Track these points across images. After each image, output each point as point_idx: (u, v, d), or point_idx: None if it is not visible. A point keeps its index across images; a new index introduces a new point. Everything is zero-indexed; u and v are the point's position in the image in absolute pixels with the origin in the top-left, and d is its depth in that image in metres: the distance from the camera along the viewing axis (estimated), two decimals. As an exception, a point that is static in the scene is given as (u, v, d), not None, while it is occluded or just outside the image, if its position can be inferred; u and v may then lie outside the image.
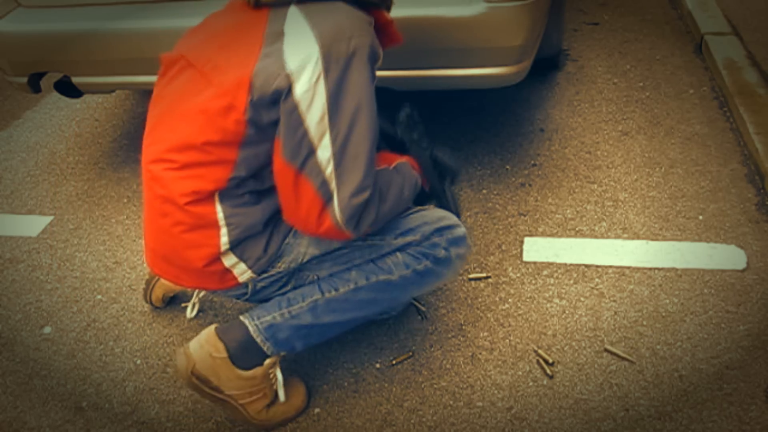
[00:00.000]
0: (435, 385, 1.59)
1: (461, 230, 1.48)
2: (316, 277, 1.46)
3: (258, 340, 1.40)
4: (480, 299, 1.80)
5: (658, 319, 1.69)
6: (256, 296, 1.45)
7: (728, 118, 2.48)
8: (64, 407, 1.62)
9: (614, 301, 1.76)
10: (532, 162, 2.32)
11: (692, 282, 1.79)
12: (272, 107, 1.23)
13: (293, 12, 1.26)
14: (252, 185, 1.34)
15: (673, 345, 1.62)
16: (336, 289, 1.42)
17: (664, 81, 2.76)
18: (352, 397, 1.58)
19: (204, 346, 1.40)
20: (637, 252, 1.91)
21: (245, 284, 1.42)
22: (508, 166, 2.32)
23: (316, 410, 1.56)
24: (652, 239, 1.95)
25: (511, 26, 1.84)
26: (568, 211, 2.09)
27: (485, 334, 1.70)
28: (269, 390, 1.48)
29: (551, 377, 1.57)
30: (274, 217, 1.38)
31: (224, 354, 1.39)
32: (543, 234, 2.01)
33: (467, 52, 1.85)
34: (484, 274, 1.87)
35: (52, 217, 2.31)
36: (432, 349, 1.67)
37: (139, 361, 1.72)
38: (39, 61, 2.16)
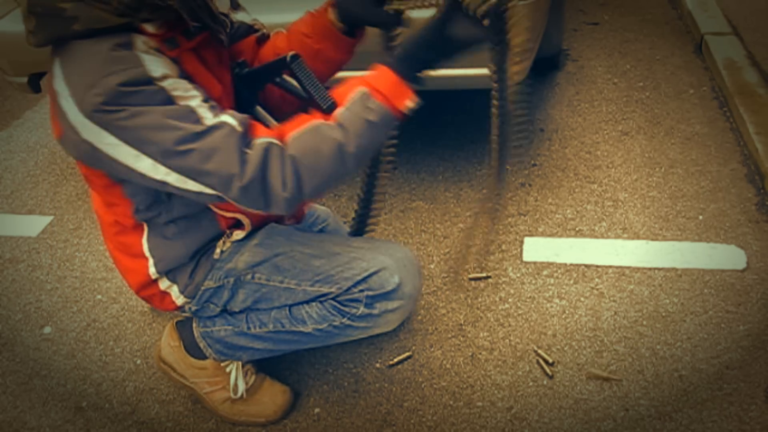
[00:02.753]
0: (435, 385, 1.58)
1: (392, 280, 1.28)
2: (251, 277, 1.36)
3: (201, 345, 1.46)
4: (480, 299, 1.80)
5: (658, 319, 1.69)
6: (202, 312, 1.42)
7: (728, 118, 2.48)
8: (64, 407, 1.62)
9: (614, 301, 1.76)
10: (532, 162, 2.32)
11: (692, 282, 1.79)
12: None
13: (56, 65, 1.11)
14: (170, 214, 1.28)
15: (673, 345, 1.62)
16: (261, 326, 1.39)
17: (664, 81, 2.76)
18: (352, 397, 1.58)
19: (166, 336, 1.54)
20: (637, 252, 1.91)
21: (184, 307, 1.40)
22: (508, 166, 2.31)
23: (316, 410, 1.56)
24: (652, 239, 1.95)
25: (510, 26, 1.83)
26: (568, 211, 2.09)
27: (485, 334, 1.70)
28: (228, 383, 1.51)
29: (551, 377, 1.57)
30: (203, 249, 1.34)
31: (179, 344, 1.51)
32: (543, 234, 2.01)
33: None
34: (484, 274, 1.87)
35: (52, 217, 2.31)
36: (432, 349, 1.67)
37: (139, 361, 1.72)
38: (39, 61, 2.16)
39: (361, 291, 1.29)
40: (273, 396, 1.53)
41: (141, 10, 1.06)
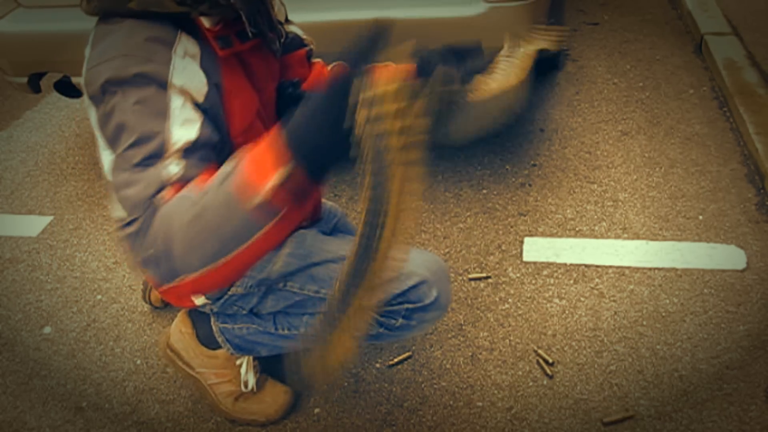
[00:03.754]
0: (435, 385, 1.58)
1: (431, 294, 1.26)
2: (283, 285, 1.31)
3: (219, 339, 1.43)
4: (480, 299, 1.80)
5: (658, 319, 1.69)
6: (224, 311, 1.39)
7: (728, 118, 2.48)
8: (64, 407, 1.62)
9: (614, 301, 1.76)
10: (532, 162, 2.32)
11: (692, 282, 1.79)
12: None
13: (94, 32, 1.09)
14: None
15: (673, 345, 1.62)
16: (290, 328, 1.37)
17: (664, 81, 2.76)
18: (352, 397, 1.58)
19: (177, 322, 1.51)
20: (637, 252, 1.91)
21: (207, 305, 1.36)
22: (508, 166, 2.32)
23: (316, 410, 1.56)
24: (652, 239, 1.95)
25: (511, 26, 1.84)
26: (568, 211, 2.09)
27: (485, 334, 1.70)
28: (236, 377, 1.50)
29: (551, 377, 1.57)
30: None
31: (191, 330, 1.49)
32: (543, 234, 2.01)
33: (467, 52, 1.85)
34: (484, 274, 1.87)
35: (52, 217, 2.31)
36: (432, 349, 1.67)
37: (139, 361, 1.72)
38: (39, 61, 2.16)
39: (401, 304, 1.27)
40: (275, 395, 1.53)
41: (202, 2, 1.03)
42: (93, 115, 1.03)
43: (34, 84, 2.24)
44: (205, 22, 1.08)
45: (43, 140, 2.80)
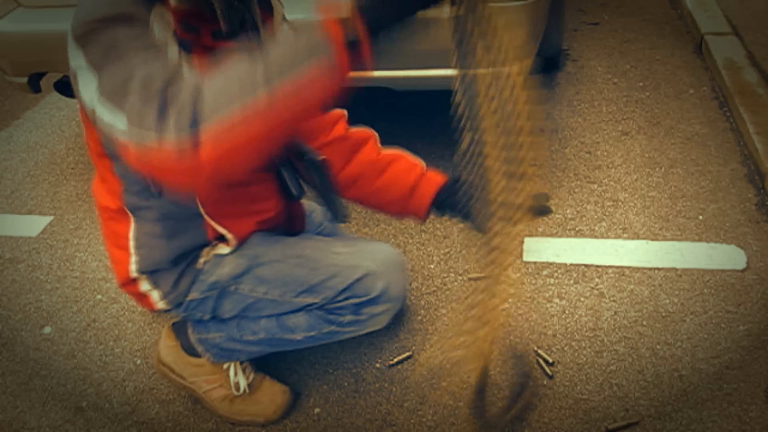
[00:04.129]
0: (435, 385, 1.58)
1: (377, 286, 1.26)
2: (235, 288, 1.33)
3: (199, 350, 1.46)
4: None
5: (658, 319, 1.69)
6: (191, 318, 1.42)
7: (728, 118, 2.48)
8: (64, 407, 1.62)
9: (614, 301, 1.76)
10: (532, 162, 2.32)
11: (692, 282, 1.79)
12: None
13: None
14: (158, 210, 1.25)
15: (673, 345, 1.62)
16: (252, 333, 1.38)
17: (664, 81, 2.76)
18: (352, 397, 1.58)
19: (163, 337, 1.54)
20: (637, 252, 1.91)
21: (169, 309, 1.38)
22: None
23: (316, 410, 1.56)
24: (652, 239, 1.95)
25: (511, 26, 1.84)
26: (568, 211, 2.09)
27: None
28: (227, 381, 1.50)
29: (551, 377, 1.57)
30: (187, 256, 1.31)
31: (176, 343, 1.51)
32: (543, 234, 2.01)
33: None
34: (484, 275, 1.87)
35: (52, 217, 2.31)
36: (432, 349, 1.67)
37: (139, 361, 1.72)
38: (39, 61, 2.16)
39: (347, 299, 1.27)
40: (272, 396, 1.53)
41: None
42: (78, 57, 0.97)
43: (34, 84, 2.24)
44: (172, 1, 1.04)
45: (43, 140, 2.80)
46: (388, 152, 1.46)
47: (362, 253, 1.32)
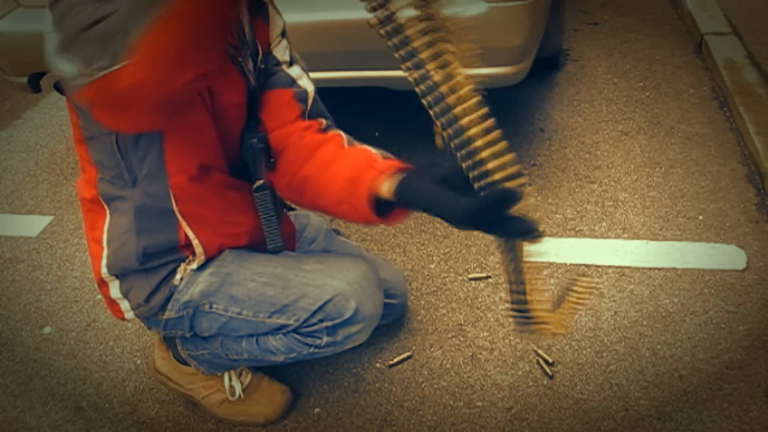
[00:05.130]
0: (435, 385, 1.59)
1: (349, 306, 1.23)
2: (209, 307, 1.30)
3: (192, 364, 1.46)
4: (480, 299, 1.80)
5: (658, 319, 1.69)
6: (172, 334, 1.39)
7: (728, 118, 2.48)
8: (64, 407, 1.62)
9: (614, 301, 1.76)
10: (532, 162, 2.32)
11: (692, 282, 1.79)
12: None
13: None
14: (132, 199, 1.22)
15: (673, 345, 1.62)
16: (236, 354, 1.37)
17: (664, 81, 2.76)
18: (352, 397, 1.58)
19: (156, 350, 1.56)
20: (637, 252, 1.91)
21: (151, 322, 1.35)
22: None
23: (316, 410, 1.56)
24: (652, 239, 1.95)
25: (511, 26, 1.84)
26: (568, 211, 2.10)
27: (485, 334, 1.70)
28: (222, 386, 1.51)
29: (551, 377, 1.57)
30: (155, 259, 1.25)
31: (168, 354, 1.53)
32: (543, 234, 2.00)
33: (467, 52, 1.85)
34: (484, 274, 1.87)
35: (52, 217, 2.31)
36: (432, 349, 1.67)
37: (139, 361, 1.72)
38: (39, 61, 2.15)
39: (321, 321, 1.24)
40: (271, 396, 1.53)
41: None
42: (48, 21, 0.97)
43: (34, 84, 2.23)
44: None
45: (43, 140, 2.80)
46: (346, 148, 1.25)
47: (332, 270, 1.28)
